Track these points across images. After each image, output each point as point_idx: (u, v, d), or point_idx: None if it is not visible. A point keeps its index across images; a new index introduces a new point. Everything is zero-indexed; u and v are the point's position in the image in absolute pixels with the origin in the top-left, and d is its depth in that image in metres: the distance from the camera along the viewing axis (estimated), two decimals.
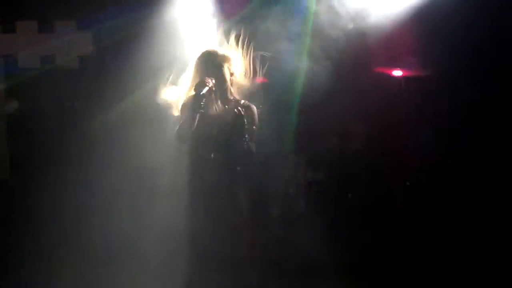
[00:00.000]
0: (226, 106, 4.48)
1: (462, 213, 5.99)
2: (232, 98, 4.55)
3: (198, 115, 4.24)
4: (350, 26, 5.84)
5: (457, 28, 5.97)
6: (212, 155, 4.35)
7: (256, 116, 4.53)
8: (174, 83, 4.66)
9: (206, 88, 4.24)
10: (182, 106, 4.50)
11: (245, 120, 4.34)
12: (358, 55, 6.08)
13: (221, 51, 4.58)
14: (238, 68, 4.59)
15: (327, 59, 5.83)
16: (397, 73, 6.27)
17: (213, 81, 4.33)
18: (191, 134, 4.29)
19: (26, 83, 6.42)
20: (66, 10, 6.48)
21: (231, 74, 4.53)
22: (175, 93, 4.60)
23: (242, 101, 4.54)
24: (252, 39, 4.70)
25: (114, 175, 5.80)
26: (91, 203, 5.75)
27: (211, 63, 4.47)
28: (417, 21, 5.96)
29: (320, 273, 5.24)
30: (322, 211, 6.10)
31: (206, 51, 4.58)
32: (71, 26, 6.61)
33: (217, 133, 4.36)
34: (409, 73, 6.23)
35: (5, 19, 6.61)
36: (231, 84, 4.54)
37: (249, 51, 4.67)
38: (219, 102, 4.47)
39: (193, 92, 4.32)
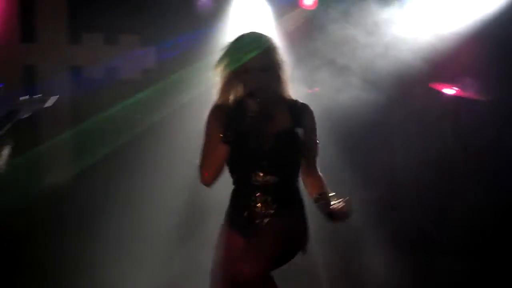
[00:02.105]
0: (278, 111, 3.38)
1: None
2: (283, 98, 3.44)
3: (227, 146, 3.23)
4: (411, 44, 5.87)
5: None
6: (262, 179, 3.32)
7: (315, 121, 3.48)
8: None
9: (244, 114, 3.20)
10: (209, 119, 3.43)
11: (303, 128, 3.38)
12: (418, 73, 6.09)
13: (269, 35, 3.46)
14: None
15: (385, 76, 5.88)
16: (455, 93, 6.22)
17: (258, 98, 3.24)
18: (220, 175, 3.35)
19: (90, 93, 6.61)
20: (131, 24, 6.66)
21: (282, 71, 3.41)
22: None
23: (297, 101, 3.48)
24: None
25: (174, 185, 5.92)
26: (152, 211, 5.87)
27: (258, 61, 3.30)
28: (480, 42, 5.95)
29: None
30: (375, 229, 6.11)
31: (252, 39, 3.39)
32: (135, 40, 6.81)
33: (268, 148, 3.32)
34: (468, 95, 6.17)
35: (72, 30, 6.82)
36: (284, 81, 3.43)
37: None
38: (268, 106, 3.29)
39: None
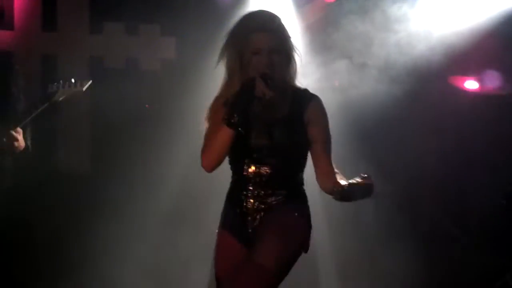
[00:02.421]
0: (281, 99, 3.09)
1: None
2: (291, 86, 3.16)
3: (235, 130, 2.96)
4: (429, 39, 5.83)
5: None
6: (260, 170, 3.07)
7: (325, 114, 3.17)
8: None
9: (252, 97, 2.96)
10: (211, 110, 3.23)
11: (306, 119, 3.09)
12: (436, 68, 6.06)
13: (279, 18, 3.13)
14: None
15: (403, 71, 5.84)
16: (476, 88, 6.18)
17: (268, 80, 2.96)
18: (222, 161, 3.11)
19: (111, 83, 6.63)
20: (152, 14, 6.67)
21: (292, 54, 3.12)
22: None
23: (305, 91, 3.18)
24: None
25: (188, 175, 5.93)
26: (166, 199, 5.90)
27: (268, 42, 3.01)
28: (500, 35, 5.91)
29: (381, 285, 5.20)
30: (389, 223, 6.09)
31: (261, 19, 3.08)
32: (156, 30, 6.82)
33: (262, 138, 3.09)
34: (489, 90, 6.13)
35: (93, 20, 6.85)
36: (294, 67, 3.15)
37: None
38: (276, 92, 3.02)
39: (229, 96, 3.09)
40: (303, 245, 3.12)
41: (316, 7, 6.30)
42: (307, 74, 5.21)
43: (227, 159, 3.19)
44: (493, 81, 6.08)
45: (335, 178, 3.01)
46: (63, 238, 5.73)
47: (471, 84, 6.18)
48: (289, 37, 3.11)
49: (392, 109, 5.89)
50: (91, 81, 3.68)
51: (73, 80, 3.61)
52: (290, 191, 3.12)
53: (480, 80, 6.13)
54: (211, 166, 3.09)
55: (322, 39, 6.00)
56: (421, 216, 6.27)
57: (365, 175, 2.88)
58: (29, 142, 3.71)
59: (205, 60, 6.22)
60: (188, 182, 5.93)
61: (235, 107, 2.95)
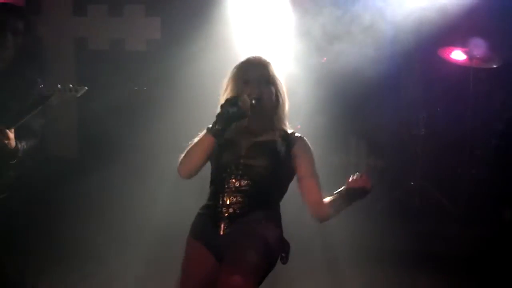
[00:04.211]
0: (267, 130, 3.31)
1: None
2: (278, 127, 3.34)
3: (215, 143, 3.14)
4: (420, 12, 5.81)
5: None
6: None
7: (311, 152, 3.33)
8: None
9: (235, 109, 3.09)
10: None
11: (292, 153, 3.26)
12: (424, 42, 6.05)
13: (270, 61, 3.40)
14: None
15: (393, 46, 5.83)
16: (465, 61, 6.15)
17: (253, 100, 3.17)
18: (198, 168, 3.24)
19: (96, 65, 6.59)
20: None
21: (281, 94, 3.33)
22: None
23: (290, 132, 3.36)
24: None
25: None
26: (155, 181, 5.86)
27: (258, 73, 3.29)
28: (488, 8, 5.89)
29: (374, 260, 5.19)
30: (382, 196, 6.09)
31: (253, 57, 3.39)
32: (140, 10, 6.77)
33: (245, 155, 3.22)
34: (478, 62, 6.10)
35: (76, 2, 6.80)
36: (281, 108, 3.33)
37: None
38: (259, 131, 3.27)
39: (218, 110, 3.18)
40: (280, 249, 3.20)
41: None
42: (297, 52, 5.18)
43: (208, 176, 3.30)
44: (480, 50, 6.05)
45: (326, 206, 3.18)
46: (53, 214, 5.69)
47: (458, 55, 6.15)
48: (279, 81, 3.32)
49: (383, 83, 5.89)
50: (86, 88, 3.69)
51: (70, 85, 3.63)
52: (267, 207, 3.22)
53: (467, 52, 6.10)
54: (184, 171, 3.22)
55: (311, 17, 5.95)
56: (411, 189, 6.27)
57: (359, 174, 2.98)
58: (19, 145, 3.71)
59: (191, 40, 6.22)
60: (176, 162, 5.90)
61: (218, 117, 3.11)
